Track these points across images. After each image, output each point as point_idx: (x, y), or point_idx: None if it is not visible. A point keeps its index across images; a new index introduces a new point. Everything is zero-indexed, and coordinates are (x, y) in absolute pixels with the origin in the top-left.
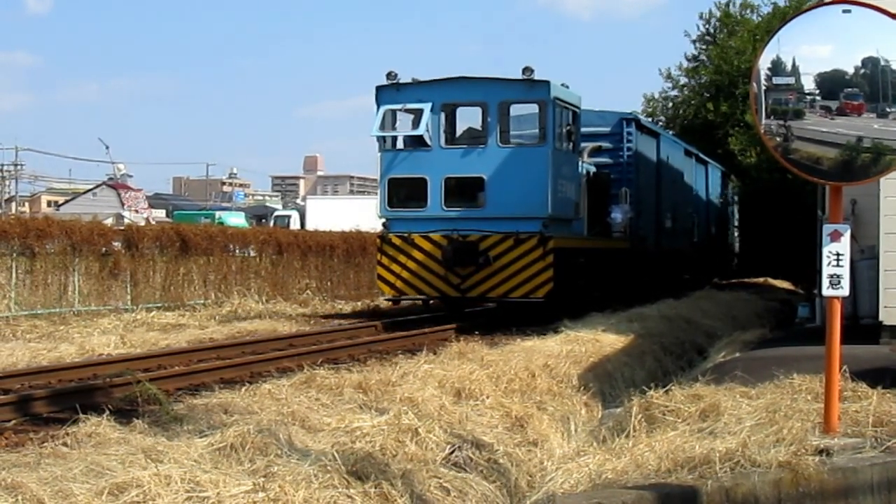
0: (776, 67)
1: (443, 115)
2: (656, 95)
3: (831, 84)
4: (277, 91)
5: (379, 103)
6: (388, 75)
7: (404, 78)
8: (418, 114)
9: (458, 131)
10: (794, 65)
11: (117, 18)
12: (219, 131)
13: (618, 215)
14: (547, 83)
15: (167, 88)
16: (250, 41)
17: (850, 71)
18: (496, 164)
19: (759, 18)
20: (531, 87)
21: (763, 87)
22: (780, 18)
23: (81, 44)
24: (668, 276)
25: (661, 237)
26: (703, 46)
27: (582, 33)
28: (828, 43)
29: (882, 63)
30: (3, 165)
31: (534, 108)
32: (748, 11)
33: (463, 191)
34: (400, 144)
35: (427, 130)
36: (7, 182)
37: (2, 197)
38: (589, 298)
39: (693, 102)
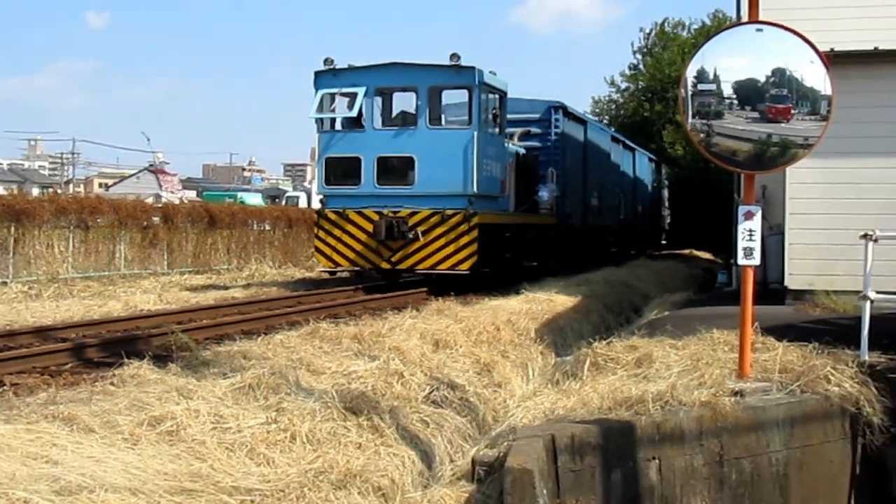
0: (701, 76)
1: (378, 99)
2: (602, 98)
3: (747, 91)
4: (290, 91)
5: (317, 87)
6: (326, 61)
7: (340, 64)
8: (353, 97)
9: (395, 114)
10: (715, 74)
11: (162, 30)
12: (241, 126)
13: (545, 194)
14: (473, 69)
15: (200, 89)
16: (271, 49)
17: (762, 79)
18: (426, 145)
19: (688, 35)
20: (459, 72)
21: (690, 93)
22: (705, 35)
23: (132, 52)
24: (595, 250)
25: (587, 214)
26: (641, 57)
27: (545, 48)
28: (744, 56)
29: (788, 72)
30: (63, 154)
31: (463, 93)
32: (679, 28)
33: (394, 170)
34: (338, 126)
35: (361, 113)
36: (66, 167)
37: (62, 179)
38: (516, 270)
39: (632, 104)
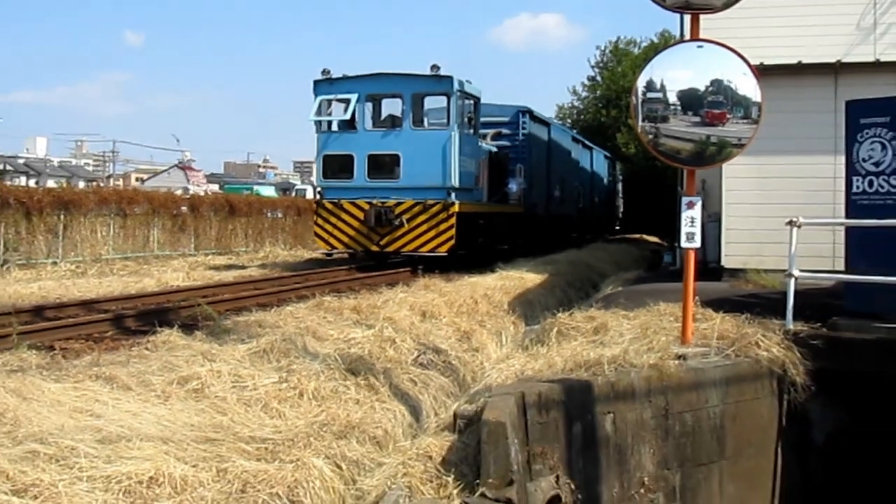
0: (649, 86)
1: (369, 104)
2: (565, 105)
3: (689, 98)
4: (299, 98)
5: (316, 94)
6: (323, 71)
7: (336, 74)
8: (347, 102)
9: (383, 117)
10: (662, 84)
11: (190, 47)
12: (257, 128)
13: (513, 186)
14: (451, 78)
15: (221, 98)
16: (282, 62)
17: (702, 89)
18: (410, 144)
19: (639, 50)
20: (438, 80)
21: (640, 100)
22: (653, 51)
23: (163, 66)
24: (557, 235)
25: (550, 204)
26: (598, 70)
27: (518, 61)
28: (687, 69)
29: (724, 83)
30: (104, 152)
31: (442, 99)
32: (631, 46)
33: (383, 165)
34: (334, 127)
35: (354, 116)
36: (107, 164)
37: (104, 174)
38: (489, 253)
39: (591, 110)
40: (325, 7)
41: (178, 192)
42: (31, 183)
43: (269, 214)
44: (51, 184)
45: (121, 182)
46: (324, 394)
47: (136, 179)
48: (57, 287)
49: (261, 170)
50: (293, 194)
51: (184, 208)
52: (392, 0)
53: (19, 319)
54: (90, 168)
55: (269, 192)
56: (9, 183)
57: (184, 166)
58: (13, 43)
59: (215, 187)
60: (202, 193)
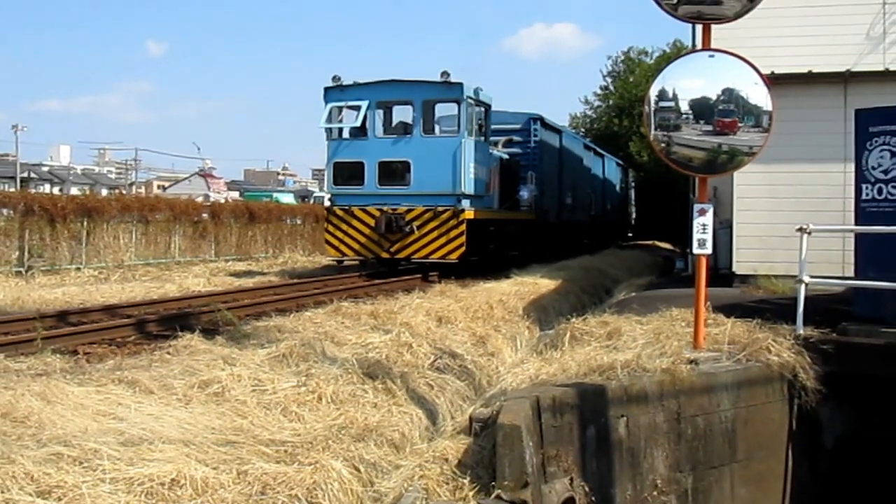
0: (662, 95)
1: (380, 111)
2: (578, 114)
3: (701, 107)
4: (316, 106)
5: (326, 101)
6: (333, 78)
7: (347, 81)
8: (358, 109)
9: (394, 124)
10: (674, 93)
11: (211, 57)
12: (276, 137)
13: (525, 193)
14: (461, 84)
15: (242, 107)
16: (300, 72)
17: (714, 98)
18: (420, 151)
19: (651, 60)
20: (448, 87)
21: (653, 109)
22: (665, 60)
23: (185, 75)
24: (569, 241)
25: (562, 210)
26: (611, 80)
27: (532, 70)
28: (698, 78)
29: (736, 92)
30: (127, 160)
31: (453, 105)
32: (643, 56)
33: (393, 172)
34: (345, 134)
35: (365, 123)
36: (130, 172)
37: (126, 182)
38: (500, 259)
39: (604, 119)
40: (339, 15)
41: (199, 200)
42: (55, 190)
43: (288, 221)
44: (74, 191)
45: (143, 189)
46: (342, 397)
47: (158, 187)
48: (80, 292)
49: (280, 177)
50: (311, 201)
51: (205, 215)
52: (407, 8)
53: (44, 324)
54: (113, 176)
55: (288, 199)
56: (33, 190)
57: (205, 174)
58: (38, 53)
59: (235, 194)
60: (222, 200)
